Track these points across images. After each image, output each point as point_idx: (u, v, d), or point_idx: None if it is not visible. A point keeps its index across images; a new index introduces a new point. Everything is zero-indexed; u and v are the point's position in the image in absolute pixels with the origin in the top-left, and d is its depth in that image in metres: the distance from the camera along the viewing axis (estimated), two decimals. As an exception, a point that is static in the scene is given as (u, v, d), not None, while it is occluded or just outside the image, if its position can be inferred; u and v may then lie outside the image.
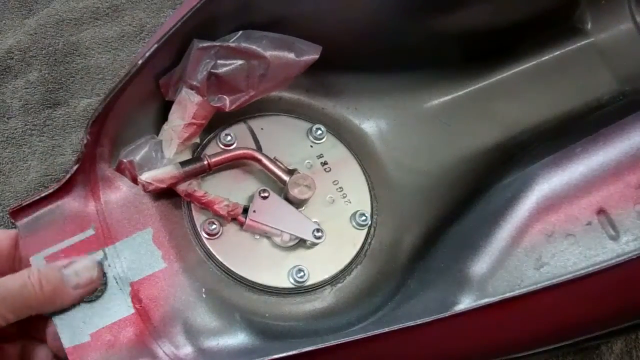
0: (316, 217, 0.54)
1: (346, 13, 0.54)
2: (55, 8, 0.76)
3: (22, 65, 0.72)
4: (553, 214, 0.45)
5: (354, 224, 0.55)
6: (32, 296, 0.44)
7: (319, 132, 0.57)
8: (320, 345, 0.42)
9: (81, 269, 0.47)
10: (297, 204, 0.53)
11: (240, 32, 0.50)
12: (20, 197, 0.66)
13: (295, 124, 0.57)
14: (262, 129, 0.56)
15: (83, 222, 0.49)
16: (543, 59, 0.63)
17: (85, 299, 0.47)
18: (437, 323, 0.41)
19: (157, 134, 0.52)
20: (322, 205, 0.54)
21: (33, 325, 0.48)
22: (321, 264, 0.53)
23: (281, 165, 0.54)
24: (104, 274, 0.48)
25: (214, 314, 0.49)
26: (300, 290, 0.52)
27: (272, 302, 0.51)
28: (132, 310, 0.47)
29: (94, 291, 0.47)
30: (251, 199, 0.52)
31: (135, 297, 0.48)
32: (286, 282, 0.52)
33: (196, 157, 0.52)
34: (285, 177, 0.53)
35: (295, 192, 0.52)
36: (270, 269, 0.52)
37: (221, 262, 0.51)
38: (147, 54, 0.46)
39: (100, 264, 0.48)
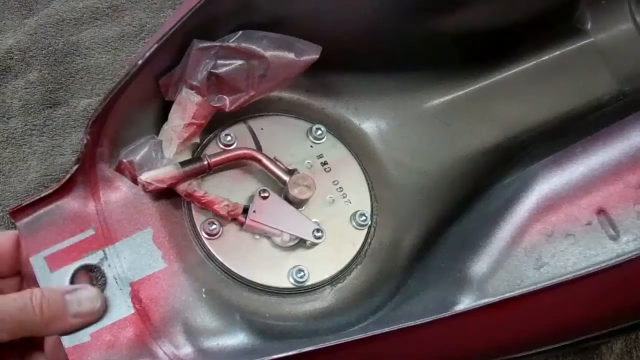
0: (316, 217, 0.54)
1: (346, 13, 0.54)
2: (55, 8, 0.76)
3: (22, 65, 0.72)
4: (553, 214, 0.45)
5: (353, 224, 0.55)
6: (30, 320, 0.44)
7: (319, 132, 0.57)
8: (320, 345, 0.42)
9: (84, 298, 0.46)
10: (297, 204, 0.53)
11: (240, 32, 0.50)
12: (20, 197, 0.66)
13: (295, 124, 0.57)
14: (262, 129, 0.56)
15: (83, 222, 0.49)
16: (543, 59, 0.63)
17: None
18: (437, 323, 0.41)
19: (157, 134, 0.52)
20: (322, 205, 0.54)
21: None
22: (321, 264, 0.53)
23: (281, 165, 0.54)
24: (106, 303, 0.47)
25: (214, 314, 0.49)
26: (300, 290, 0.52)
27: (272, 302, 0.51)
28: (132, 310, 0.47)
29: (94, 322, 0.46)
30: (251, 199, 0.52)
31: (135, 297, 0.48)
32: (286, 282, 0.52)
33: (196, 157, 0.52)
34: (285, 177, 0.53)
35: (295, 192, 0.52)
36: (270, 269, 0.52)
37: (221, 262, 0.51)
38: (147, 54, 0.46)
39: (105, 297, 0.47)
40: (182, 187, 0.50)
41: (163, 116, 0.52)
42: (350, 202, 0.55)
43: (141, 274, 0.49)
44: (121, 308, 0.47)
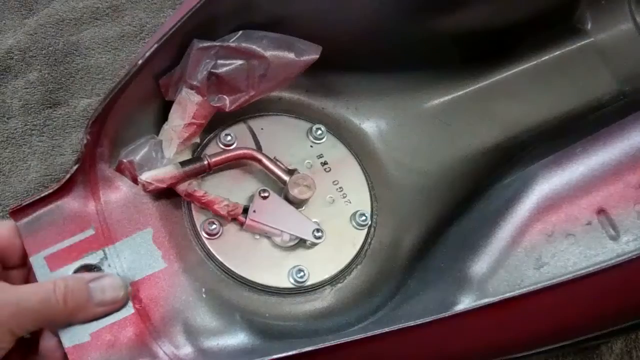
0: (316, 217, 0.54)
1: (346, 13, 0.54)
2: (55, 8, 0.76)
3: (22, 65, 0.72)
4: (553, 214, 0.45)
5: (353, 224, 0.55)
6: (53, 311, 0.43)
7: (319, 132, 0.57)
8: (320, 345, 0.42)
9: (108, 286, 0.46)
10: (297, 204, 0.53)
11: (240, 32, 0.50)
12: (20, 197, 0.66)
13: (295, 124, 0.57)
14: (262, 129, 0.56)
15: (83, 222, 0.49)
16: (543, 59, 0.63)
17: None
18: (437, 323, 0.41)
19: (157, 134, 0.52)
20: (322, 205, 0.54)
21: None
22: (321, 264, 0.53)
23: (281, 165, 0.54)
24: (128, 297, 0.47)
25: (214, 314, 0.49)
26: (300, 290, 0.52)
27: (272, 302, 0.51)
28: (132, 310, 0.47)
29: (116, 311, 0.46)
30: (251, 199, 0.52)
31: (135, 297, 0.48)
32: (286, 282, 0.52)
33: (196, 157, 0.52)
34: (285, 177, 0.53)
35: (295, 192, 0.52)
36: (270, 269, 0.52)
37: (221, 262, 0.51)
38: (147, 54, 0.46)
39: (129, 287, 0.47)
40: (182, 187, 0.50)
41: (163, 116, 0.52)
42: (350, 202, 0.55)
43: (141, 273, 0.49)
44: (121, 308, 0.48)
